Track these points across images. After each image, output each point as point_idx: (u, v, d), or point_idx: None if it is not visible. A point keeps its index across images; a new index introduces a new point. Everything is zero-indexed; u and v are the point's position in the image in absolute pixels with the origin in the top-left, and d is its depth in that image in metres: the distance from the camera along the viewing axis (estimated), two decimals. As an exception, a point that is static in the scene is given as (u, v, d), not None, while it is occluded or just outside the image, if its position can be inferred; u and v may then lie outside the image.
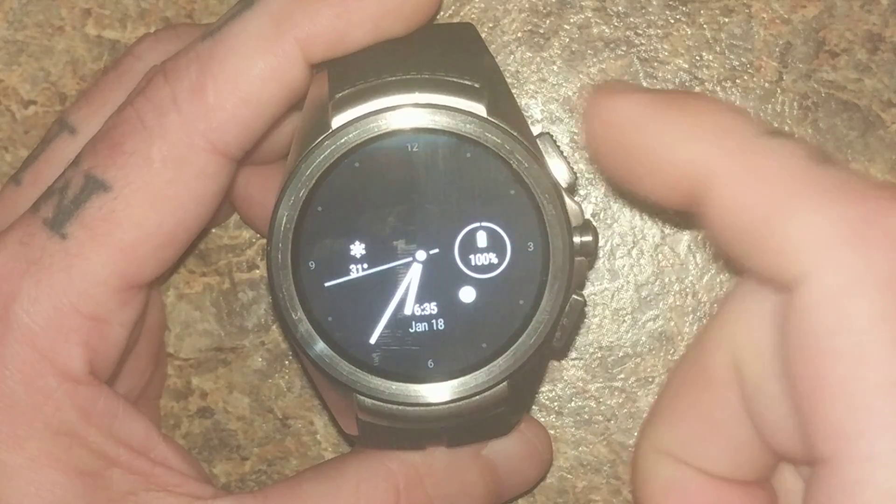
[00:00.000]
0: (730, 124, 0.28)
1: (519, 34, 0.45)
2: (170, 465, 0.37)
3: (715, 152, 0.28)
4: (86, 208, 0.35)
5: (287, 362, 0.46)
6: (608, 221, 0.45)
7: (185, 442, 0.46)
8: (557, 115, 0.45)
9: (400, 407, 0.36)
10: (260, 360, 0.46)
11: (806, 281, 0.26)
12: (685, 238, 0.45)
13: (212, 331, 0.46)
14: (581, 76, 0.45)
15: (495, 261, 0.36)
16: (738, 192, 0.28)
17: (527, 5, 0.45)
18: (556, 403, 0.46)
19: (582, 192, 0.45)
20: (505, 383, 0.36)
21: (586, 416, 0.46)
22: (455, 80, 0.36)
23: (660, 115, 0.29)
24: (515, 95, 0.45)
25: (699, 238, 0.45)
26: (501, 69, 0.45)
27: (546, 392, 0.46)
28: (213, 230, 0.46)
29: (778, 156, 0.28)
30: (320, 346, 0.35)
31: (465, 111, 0.35)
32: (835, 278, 0.26)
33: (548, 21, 0.45)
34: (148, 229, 0.36)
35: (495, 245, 0.36)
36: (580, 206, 0.36)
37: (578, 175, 0.45)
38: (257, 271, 0.46)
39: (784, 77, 0.45)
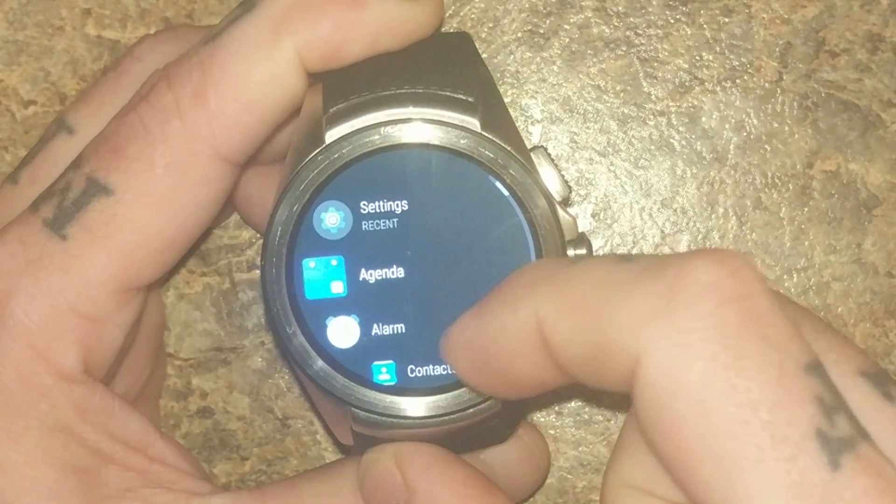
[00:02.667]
0: (537, 274, 0.30)
1: (519, 34, 0.45)
2: (167, 462, 0.37)
3: (533, 303, 0.30)
4: (87, 211, 0.35)
5: (287, 365, 0.46)
6: (608, 221, 0.45)
7: (184, 442, 0.46)
8: (557, 115, 0.45)
9: (395, 420, 0.36)
10: (260, 360, 0.46)
11: (637, 365, 0.28)
12: (685, 238, 0.45)
13: (212, 331, 0.46)
14: (581, 76, 0.45)
15: (490, 275, 0.36)
16: (564, 323, 0.29)
17: (527, 5, 0.45)
18: (556, 403, 0.46)
19: (582, 191, 0.45)
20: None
21: (586, 416, 0.46)
22: (449, 94, 0.36)
23: (485, 310, 0.31)
24: (515, 96, 0.45)
25: (699, 238, 0.45)
26: (501, 69, 0.45)
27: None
28: (214, 230, 0.46)
29: (583, 274, 0.29)
30: (314, 359, 0.35)
31: (458, 126, 0.35)
32: (660, 350, 0.27)
33: (548, 21, 0.45)
34: (149, 234, 0.36)
35: (489, 259, 0.36)
36: (574, 219, 0.36)
37: (578, 175, 0.45)
38: (257, 271, 0.46)
39: (784, 77, 0.45)
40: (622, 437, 0.32)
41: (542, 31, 0.45)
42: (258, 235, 0.46)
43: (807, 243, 0.45)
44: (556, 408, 0.46)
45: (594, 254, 0.37)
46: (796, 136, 0.45)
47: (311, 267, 0.36)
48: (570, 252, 0.35)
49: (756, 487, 0.26)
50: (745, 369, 0.27)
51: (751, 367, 0.27)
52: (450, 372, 0.35)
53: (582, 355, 0.29)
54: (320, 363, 0.35)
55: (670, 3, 0.45)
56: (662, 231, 0.45)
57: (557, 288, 0.30)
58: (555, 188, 0.36)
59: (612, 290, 0.28)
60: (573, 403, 0.46)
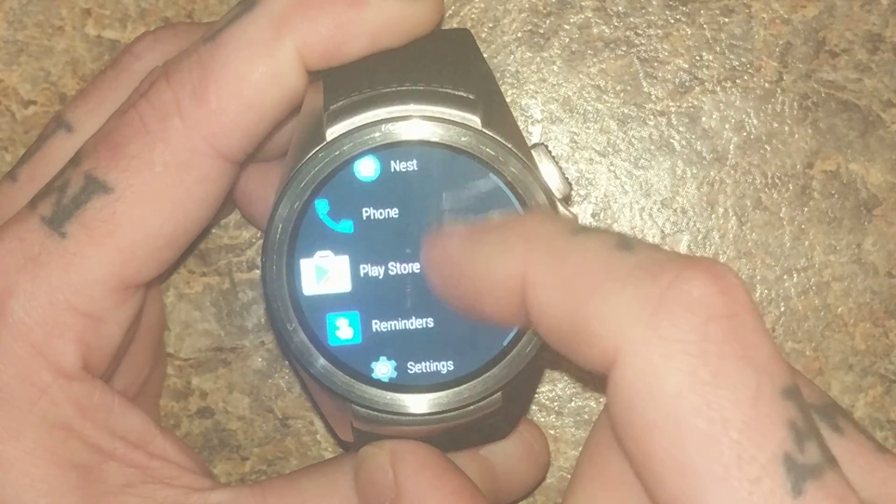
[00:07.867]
0: (538, 231, 0.30)
1: (519, 34, 0.45)
2: (167, 458, 0.37)
3: (525, 259, 0.29)
4: (86, 209, 0.36)
5: (287, 362, 0.46)
6: (608, 221, 0.45)
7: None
8: (557, 115, 0.45)
9: (395, 416, 0.36)
10: (260, 360, 0.46)
11: (615, 362, 0.27)
12: (685, 238, 0.45)
13: (212, 331, 0.46)
14: (581, 76, 0.45)
15: None
16: (548, 292, 0.29)
17: (527, 5, 0.45)
18: (556, 403, 0.46)
19: (582, 191, 0.45)
20: (499, 393, 0.36)
21: (586, 416, 0.45)
22: (450, 91, 0.36)
23: (478, 239, 0.31)
24: (515, 96, 0.45)
25: (699, 238, 0.45)
26: (501, 69, 0.45)
27: (546, 392, 0.46)
28: (213, 230, 0.46)
29: (581, 251, 0.29)
30: (315, 357, 0.35)
31: (459, 123, 0.35)
32: (639, 354, 0.27)
33: (548, 21, 0.45)
34: (148, 232, 0.36)
35: None
36: (575, 216, 0.36)
37: (578, 175, 0.45)
38: (257, 271, 0.46)
39: (784, 77, 0.45)
40: (578, 470, 0.32)
41: (542, 31, 0.45)
42: (258, 235, 0.46)
43: (807, 243, 0.45)
44: (556, 408, 0.46)
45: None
46: (796, 136, 0.45)
47: (311, 263, 0.36)
48: None
49: (711, 493, 0.26)
50: (722, 387, 0.27)
51: (727, 386, 0.27)
52: (450, 370, 0.36)
53: (558, 327, 0.29)
54: (321, 360, 0.35)
55: (670, 3, 0.45)
56: (662, 231, 0.45)
57: (552, 256, 0.29)
58: (555, 185, 0.36)
59: (605, 279, 0.28)
60: (573, 403, 0.46)
